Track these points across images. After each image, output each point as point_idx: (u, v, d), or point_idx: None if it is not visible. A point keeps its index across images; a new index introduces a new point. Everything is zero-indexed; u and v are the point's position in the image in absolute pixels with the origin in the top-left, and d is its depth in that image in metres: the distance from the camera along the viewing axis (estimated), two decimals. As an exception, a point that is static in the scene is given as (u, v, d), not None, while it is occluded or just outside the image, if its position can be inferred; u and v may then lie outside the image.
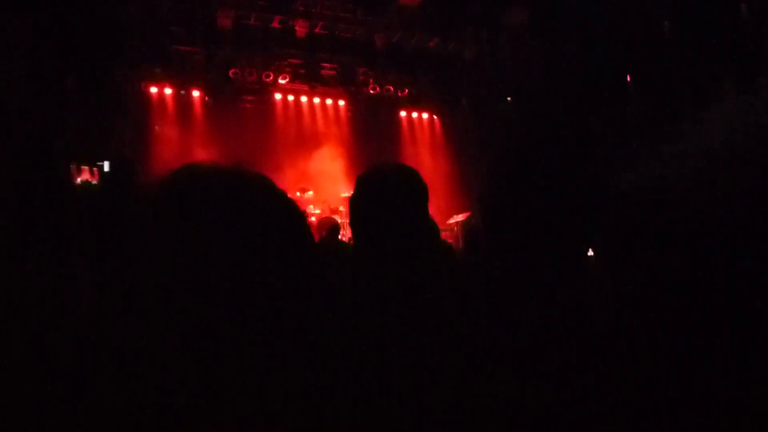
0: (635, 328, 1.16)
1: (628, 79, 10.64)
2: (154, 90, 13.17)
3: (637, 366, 1.07)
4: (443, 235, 12.03)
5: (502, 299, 1.21)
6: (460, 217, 12.61)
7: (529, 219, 1.19)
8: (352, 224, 1.78)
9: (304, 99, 14.74)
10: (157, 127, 13.20)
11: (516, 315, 1.17)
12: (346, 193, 12.51)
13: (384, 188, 1.71)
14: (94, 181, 8.34)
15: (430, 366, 1.17)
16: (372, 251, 1.64)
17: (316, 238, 10.85)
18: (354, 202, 1.74)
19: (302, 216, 1.29)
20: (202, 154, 13.24)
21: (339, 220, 11.44)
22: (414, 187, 1.74)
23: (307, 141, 14.70)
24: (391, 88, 14.55)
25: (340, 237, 7.72)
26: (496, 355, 1.11)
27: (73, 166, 8.36)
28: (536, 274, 1.21)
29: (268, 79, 13.62)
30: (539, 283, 1.19)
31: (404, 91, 14.74)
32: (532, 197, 1.20)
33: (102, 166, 8.22)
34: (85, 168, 8.52)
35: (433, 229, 1.94)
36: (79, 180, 8.28)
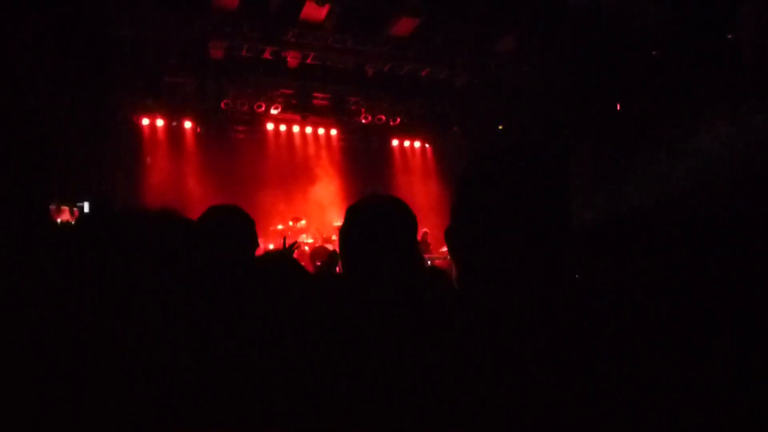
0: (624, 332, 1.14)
1: (618, 107, 10.73)
2: (145, 122, 13.21)
3: (632, 368, 1.05)
4: (437, 263, 12.01)
5: (489, 319, 1.18)
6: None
7: (493, 235, 1.17)
8: (341, 254, 1.77)
9: (296, 129, 14.81)
10: (148, 159, 13.22)
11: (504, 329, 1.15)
12: (339, 222, 12.52)
13: (373, 219, 1.70)
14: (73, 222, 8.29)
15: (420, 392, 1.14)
16: (360, 281, 1.63)
17: (311, 268, 10.81)
18: (343, 233, 1.74)
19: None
20: (195, 185, 13.26)
21: (330, 248, 11.42)
22: (403, 218, 1.73)
23: (299, 170, 14.74)
24: (383, 117, 14.63)
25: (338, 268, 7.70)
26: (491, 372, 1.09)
27: (53, 207, 8.30)
28: (512, 291, 1.18)
29: (260, 110, 13.68)
30: (517, 297, 1.17)
31: (396, 119, 14.83)
32: (494, 213, 1.18)
33: (82, 207, 8.17)
34: (65, 208, 8.46)
35: (420, 259, 1.92)
36: (59, 221, 8.23)
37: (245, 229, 2.49)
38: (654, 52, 9.44)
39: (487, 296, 1.20)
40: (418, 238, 8.27)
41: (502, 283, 1.17)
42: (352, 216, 1.71)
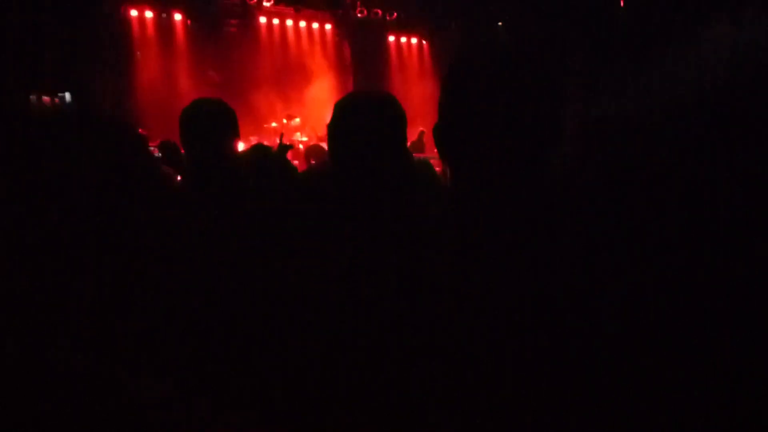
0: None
1: (621, 3, 10.42)
2: (134, 13, 12.78)
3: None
4: (432, 162, 11.96)
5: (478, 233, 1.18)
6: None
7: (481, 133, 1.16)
8: (329, 151, 1.76)
9: (289, 23, 14.37)
10: (138, 53, 12.89)
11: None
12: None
13: (361, 114, 1.68)
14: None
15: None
16: (347, 178, 1.63)
17: (305, 165, 10.82)
18: (331, 129, 1.72)
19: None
20: (186, 80, 13.02)
21: (325, 146, 11.35)
22: (392, 114, 1.71)
23: (292, 67, 14.44)
24: (379, 12, 14.19)
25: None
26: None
27: (33, 97, 8.14)
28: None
29: (251, 2, 13.22)
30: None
31: (392, 14, 14.39)
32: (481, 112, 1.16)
33: (63, 96, 8.01)
34: (47, 99, 8.29)
35: (409, 158, 1.92)
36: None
37: (223, 118, 2.50)
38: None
39: (476, 196, 1.20)
40: (414, 136, 8.22)
41: (491, 182, 1.17)
42: (339, 111, 1.69)
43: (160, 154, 4.28)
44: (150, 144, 11.27)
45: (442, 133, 1.25)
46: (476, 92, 1.17)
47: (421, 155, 11.89)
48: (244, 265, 1.90)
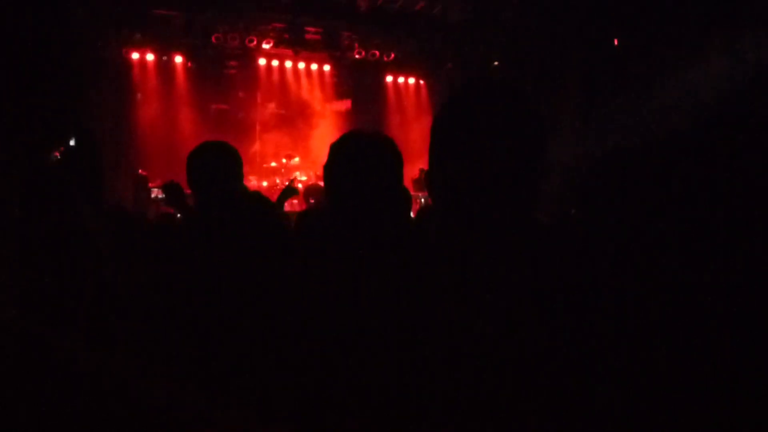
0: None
1: (615, 42, 10.58)
2: (135, 56, 12.97)
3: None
4: (431, 201, 11.97)
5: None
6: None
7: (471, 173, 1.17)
8: (326, 191, 1.78)
9: (288, 64, 14.57)
10: (139, 95, 13.04)
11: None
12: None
13: (356, 155, 1.71)
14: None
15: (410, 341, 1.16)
16: (344, 219, 1.64)
17: (304, 205, 10.83)
18: (327, 170, 1.74)
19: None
20: (187, 121, 13.14)
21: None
22: (387, 155, 1.74)
23: (292, 107, 14.59)
24: (377, 53, 14.38)
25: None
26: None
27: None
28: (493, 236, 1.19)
29: (251, 44, 13.42)
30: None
31: (390, 55, 14.58)
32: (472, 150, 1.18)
33: (68, 144, 8.09)
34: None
35: (406, 198, 1.93)
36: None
37: (230, 160, 2.64)
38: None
39: (464, 237, 1.21)
40: (415, 175, 8.21)
41: (478, 224, 1.19)
42: (335, 152, 1.71)
43: (162, 195, 4.33)
44: (150, 184, 11.35)
45: (430, 174, 1.28)
46: (461, 135, 1.20)
47: (423, 194, 11.93)
48: (250, 290, 1.92)
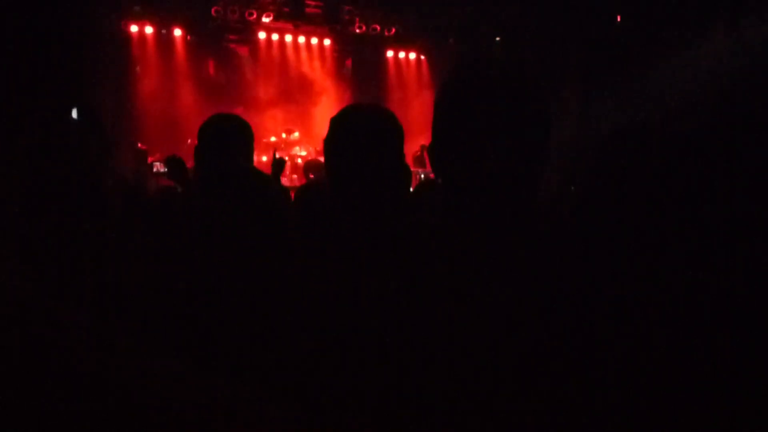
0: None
1: (618, 18, 10.49)
2: (134, 29, 12.86)
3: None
4: (432, 176, 11.95)
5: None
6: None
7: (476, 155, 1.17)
8: (326, 166, 1.77)
9: (288, 38, 14.45)
10: (138, 68, 12.96)
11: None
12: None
13: (357, 129, 1.70)
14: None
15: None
16: (343, 195, 1.64)
17: (304, 180, 10.81)
18: (327, 144, 1.73)
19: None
20: (186, 94, 13.07)
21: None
22: (388, 128, 1.73)
23: (292, 82, 14.50)
24: (378, 27, 14.26)
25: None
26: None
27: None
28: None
29: (251, 18, 13.30)
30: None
31: (391, 30, 14.46)
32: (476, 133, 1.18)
33: (70, 112, 8.06)
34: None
35: (407, 173, 1.92)
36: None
37: (243, 133, 2.60)
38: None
39: (469, 215, 1.21)
40: (416, 151, 8.20)
41: (482, 201, 1.19)
42: (335, 126, 1.70)
43: (165, 169, 4.32)
44: (149, 158, 11.33)
45: (434, 152, 1.27)
46: (466, 113, 1.19)
47: (423, 169, 11.92)
48: (246, 268, 1.92)
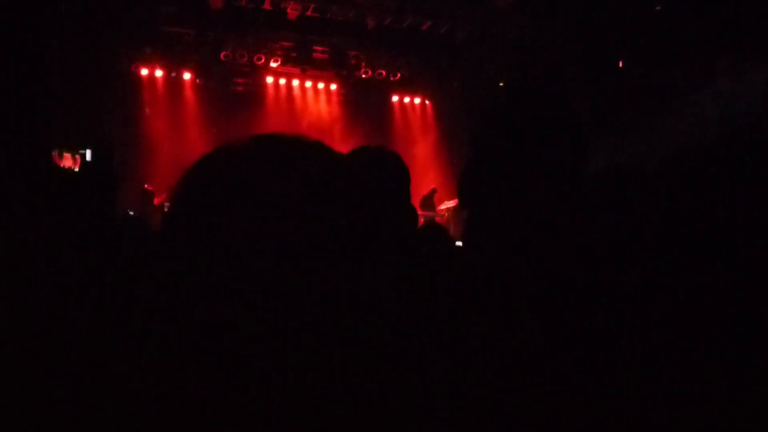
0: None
1: (620, 64, 10.63)
2: (144, 72, 13.09)
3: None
4: (437, 219, 12.01)
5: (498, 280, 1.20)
6: (451, 203, 12.60)
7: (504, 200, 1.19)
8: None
9: (295, 82, 14.67)
10: (147, 109, 13.14)
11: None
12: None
13: (364, 170, 1.72)
14: (76, 168, 8.24)
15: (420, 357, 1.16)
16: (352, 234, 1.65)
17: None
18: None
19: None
20: (194, 136, 13.21)
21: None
22: (395, 171, 1.75)
23: (298, 124, 14.66)
24: (383, 72, 14.47)
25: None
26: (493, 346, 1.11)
27: (55, 153, 8.29)
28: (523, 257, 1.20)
29: (259, 62, 13.53)
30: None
31: (396, 75, 14.66)
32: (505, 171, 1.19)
33: (84, 153, 8.14)
34: (68, 155, 8.40)
35: (412, 215, 1.94)
36: (62, 166, 8.19)
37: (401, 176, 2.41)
38: (657, 7, 9.31)
39: (496, 246, 1.22)
40: (426, 194, 8.22)
41: (516, 236, 1.20)
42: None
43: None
44: (156, 199, 11.39)
45: (467, 180, 1.29)
46: (507, 139, 1.21)
47: (429, 213, 11.95)
48: (245, 267, 1.90)
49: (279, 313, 1.05)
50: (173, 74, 13.43)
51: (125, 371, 1.07)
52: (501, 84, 13.81)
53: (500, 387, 1.03)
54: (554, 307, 1.08)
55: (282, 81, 14.55)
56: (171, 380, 1.01)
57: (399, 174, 1.75)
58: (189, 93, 13.66)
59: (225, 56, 13.16)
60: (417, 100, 15.89)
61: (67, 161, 8.37)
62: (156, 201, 11.40)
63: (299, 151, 1.01)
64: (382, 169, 1.71)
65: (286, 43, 13.67)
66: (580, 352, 1.03)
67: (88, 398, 1.01)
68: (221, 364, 1.04)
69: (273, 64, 13.72)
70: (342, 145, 14.34)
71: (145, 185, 11.71)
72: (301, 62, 13.92)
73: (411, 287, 1.20)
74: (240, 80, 14.31)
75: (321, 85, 14.91)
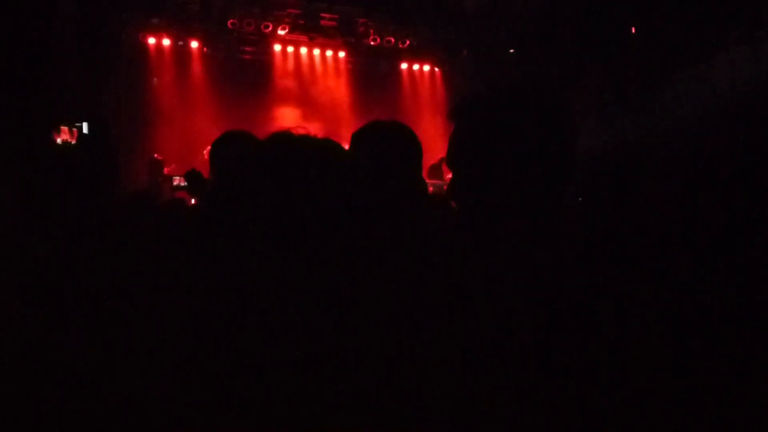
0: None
1: (633, 30, 10.48)
2: (152, 41, 13.02)
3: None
4: (444, 188, 11.94)
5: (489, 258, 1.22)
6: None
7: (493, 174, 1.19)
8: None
9: (303, 50, 14.56)
10: (155, 79, 13.10)
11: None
12: (346, 146, 12.45)
13: (378, 145, 1.73)
14: (73, 142, 8.21)
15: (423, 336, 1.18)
16: (365, 208, 1.66)
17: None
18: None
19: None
20: (203, 106, 13.18)
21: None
22: (407, 149, 1.76)
23: (307, 93, 14.59)
24: (392, 40, 14.33)
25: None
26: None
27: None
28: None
29: (267, 30, 13.42)
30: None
31: (405, 42, 14.52)
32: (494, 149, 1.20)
33: (81, 126, 8.10)
34: (65, 128, 8.39)
35: (423, 189, 1.95)
36: (59, 141, 8.17)
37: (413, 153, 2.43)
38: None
39: (482, 232, 1.23)
40: (433, 163, 8.19)
41: (502, 223, 1.21)
42: (357, 142, 1.74)
43: (185, 183, 4.36)
44: (165, 169, 11.42)
45: (451, 161, 1.30)
46: (486, 127, 1.22)
47: (437, 181, 11.92)
48: (245, 265, 1.92)
49: (279, 313, 1.07)
50: (180, 43, 13.35)
51: (125, 370, 1.09)
52: (511, 51, 13.66)
53: (500, 387, 1.05)
54: (552, 301, 1.09)
55: (290, 49, 14.43)
56: (171, 380, 1.03)
57: (411, 151, 1.76)
58: (196, 62, 13.59)
59: (232, 24, 13.06)
60: (426, 68, 15.75)
61: (65, 134, 8.35)
62: (165, 170, 11.42)
63: (307, 152, 1.04)
64: (394, 147, 1.72)
65: (293, 11, 13.53)
66: (579, 352, 1.04)
67: (88, 398, 1.03)
68: (221, 364, 1.06)
69: (281, 32, 13.60)
70: (350, 113, 14.29)
71: (155, 155, 11.72)
72: (309, 30, 13.80)
73: (411, 286, 1.21)
74: (248, 48, 14.20)
75: (329, 53, 14.78)
